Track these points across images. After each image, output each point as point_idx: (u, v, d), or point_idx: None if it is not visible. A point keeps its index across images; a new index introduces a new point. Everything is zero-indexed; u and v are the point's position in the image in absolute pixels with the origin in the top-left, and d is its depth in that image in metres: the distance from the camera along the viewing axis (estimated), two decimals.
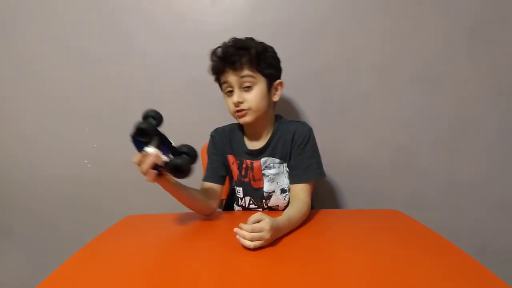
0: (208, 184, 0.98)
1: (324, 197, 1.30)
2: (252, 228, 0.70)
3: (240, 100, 0.90)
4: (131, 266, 0.68)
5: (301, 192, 0.92)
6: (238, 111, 0.92)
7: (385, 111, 1.24)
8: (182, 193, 0.85)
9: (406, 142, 1.25)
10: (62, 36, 1.25)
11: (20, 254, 1.40)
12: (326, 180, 1.29)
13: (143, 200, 1.25)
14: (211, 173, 1.01)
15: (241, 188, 1.02)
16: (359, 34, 1.20)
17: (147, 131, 0.72)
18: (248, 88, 0.90)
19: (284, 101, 1.23)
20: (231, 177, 1.05)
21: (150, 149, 0.72)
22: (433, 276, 0.60)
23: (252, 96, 0.90)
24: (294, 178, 0.96)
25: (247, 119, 0.92)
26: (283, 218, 0.79)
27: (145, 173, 0.74)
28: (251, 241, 0.70)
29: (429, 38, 1.19)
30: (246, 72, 0.89)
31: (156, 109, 0.76)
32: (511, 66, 1.20)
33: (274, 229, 0.73)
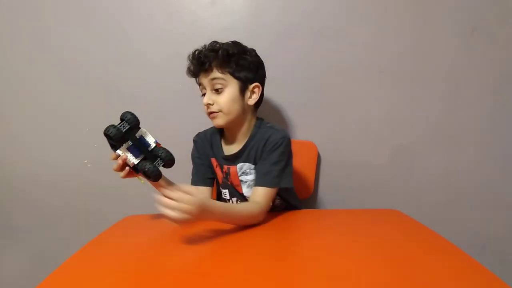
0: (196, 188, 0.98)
1: (324, 197, 1.30)
2: (178, 197, 0.66)
3: (209, 102, 0.90)
4: (131, 266, 0.68)
5: (259, 195, 0.89)
6: (210, 113, 0.92)
7: (385, 111, 1.24)
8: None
9: (406, 142, 1.25)
10: (62, 36, 1.25)
11: (20, 254, 1.40)
12: (326, 180, 1.29)
13: (143, 200, 1.24)
14: (197, 177, 1.02)
15: (227, 190, 1.03)
16: (359, 34, 1.20)
17: (112, 137, 0.74)
18: (219, 90, 0.90)
19: (284, 101, 1.24)
20: (217, 180, 1.05)
21: (119, 151, 0.78)
22: (433, 276, 0.60)
23: (222, 98, 0.90)
24: (255, 181, 0.94)
25: (218, 121, 0.92)
26: (219, 203, 0.79)
27: (116, 171, 0.81)
28: (174, 210, 0.66)
29: (429, 38, 1.19)
30: (215, 74, 0.89)
31: (133, 112, 0.78)
32: (511, 66, 1.20)
33: (201, 209, 0.69)
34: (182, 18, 1.22)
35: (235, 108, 0.91)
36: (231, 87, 0.90)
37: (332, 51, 1.21)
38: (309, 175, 1.23)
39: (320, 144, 1.25)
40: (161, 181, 0.84)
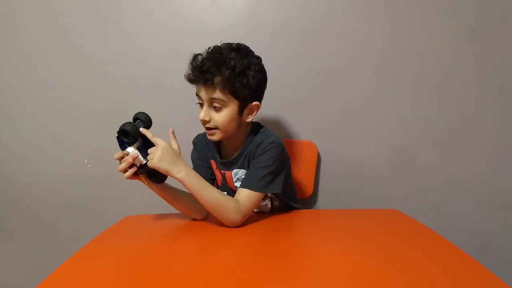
0: None
1: (324, 197, 1.30)
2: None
3: (206, 119, 0.88)
4: (131, 266, 0.68)
5: (241, 196, 0.86)
6: (207, 128, 0.90)
7: (385, 111, 1.24)
8: (166, 194, 0.85)
9: (406, 142, 1.25)
10: (62, 35, 1.25)
11: (20, 254, 1.40)
12: (326, 179, 1.29)
13: (143, 200, 1.25)
14: None
15: (225, 193, 1.02)
16: (359, 34, 1.20)
17: (130, 133, 0.76)
18: (217, 108, 0.86)
19: (283, 101, 1.24)
20: (216, 182, 1.05)
21: (130, 149, 0.79)
22: (433, 276, 0.60)
23: (219, 117, 0.87)
24: (241, 183, 0.92)
25: (214, 138, 0.91)
26: (197, 175, 0.82)
27: (121, 171, 0.80)
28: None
29: (429, 38, 1.19)
30: (217, 94, 0.84)
31: (147, 113, 0.81)
32: (511, 66, 1.20)
33: (168, 153, 0.77)
34: (182, 17, 1.22)
35: (232, 127, 0.89)
36: (231, 107, 0.87)
37: (332, 51, 1.21)
38: (309, 175, 1.23)
39: (320, 144, 1.25)
40: (163, 188, 0.84)
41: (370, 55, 1.21)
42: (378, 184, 1.28)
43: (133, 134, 0.76)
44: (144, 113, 0.81)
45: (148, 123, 0.80)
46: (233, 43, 0.90)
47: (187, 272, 0.64)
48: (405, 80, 1.22)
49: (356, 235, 0.81)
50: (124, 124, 0.77)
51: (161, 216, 0.96)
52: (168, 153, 0.78)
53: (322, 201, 1.30)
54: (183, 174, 0.79)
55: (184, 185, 0.81)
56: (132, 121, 0.80)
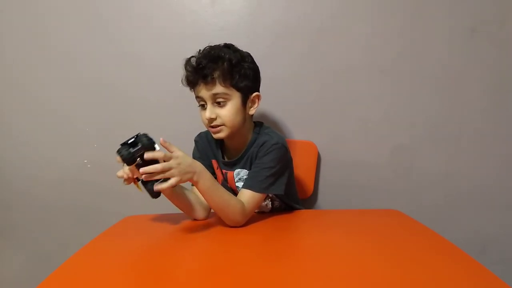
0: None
1: (324, 197, 1.30)
2: (162, 168, 0.72)
3: (212, 116, 0.87)
4: (131, 266, 0.68)
5: (244, 197, 0.87)
6: (212, 126, 0.89)
7: (386, 111, 1.24)
8: (169, 192, 0.85)
9: (406, 142, 1.25)
10: (61, 36, 1.25)
11: (20, 254, 1.40)
12: (326, 180, 1.29)
13: (143, 200, 1.24)
14: None
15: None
16: (359, 34, 1.20)
17: (125, 161, 0.74)
18: (221, 103, 0.87)
19: (284, 101, 1.24)
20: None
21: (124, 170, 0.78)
22: (433, 276, 0.60)
23: (225, 112, 0.87)
24: (243, 183, 0.93)
25: (221, 135, 0.90)
26: (210, 178, 0.81)
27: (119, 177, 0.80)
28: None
29: (429, 38, 1.19)
30: (218, 88, 0.85)
31: (148, 135, 0.75)
32: (511, 66, 1.20)
33: (185, 163, 0.75)
34: (182, 18, 1.22)
35: (238, 120, 0.89)
36: (234, 100, 0.87)
37: (332, 51, 1.21)
38: (309, 175, 1.23)
39: (320, 144, 1.25)
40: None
41: (370, 55, 1.21)
42: (378, 184, 1.28)
43: (126, 160, 0.74)
44: (146, 137, 0.74)
45: (148, 148, 0.73)
46: (220, 44, 0.92)
47: (187, 272, 0.64)
48: (405, 80, 1.22)
49: (356, 235, 0.81)
50: (119, 150, 0.73)
51: (161, 216, 0.96)
52: (183, 165, 0.75)
53: (322, 201, 1.30)
54: (197, 178, 0.79)
55: (197, 187, 0.81)
56: (135, 137, 0.75)
